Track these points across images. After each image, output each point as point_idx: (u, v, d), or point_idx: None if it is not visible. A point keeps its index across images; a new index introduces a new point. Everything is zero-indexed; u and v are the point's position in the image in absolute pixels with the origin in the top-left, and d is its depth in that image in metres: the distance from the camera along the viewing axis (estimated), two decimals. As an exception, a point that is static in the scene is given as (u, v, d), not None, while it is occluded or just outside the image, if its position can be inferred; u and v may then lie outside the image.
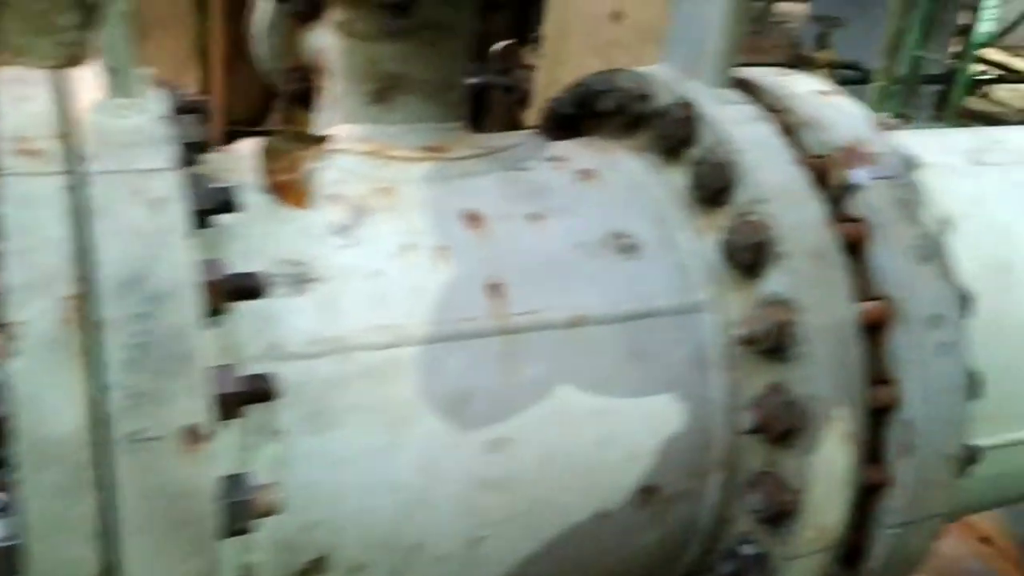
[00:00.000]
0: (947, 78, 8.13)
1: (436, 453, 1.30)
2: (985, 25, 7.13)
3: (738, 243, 1.42)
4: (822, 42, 8.28)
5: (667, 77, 1.60)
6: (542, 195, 1.48)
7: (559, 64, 5.39)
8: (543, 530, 1.38)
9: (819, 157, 1.57)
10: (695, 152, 1.52)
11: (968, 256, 1.68)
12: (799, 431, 1.40)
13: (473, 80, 7.07)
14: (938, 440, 1.49)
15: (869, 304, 1.48)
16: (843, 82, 7.92)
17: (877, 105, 5.91)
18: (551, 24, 5.60)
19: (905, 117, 7.89)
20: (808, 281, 1.40)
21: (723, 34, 1.53)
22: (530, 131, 1.66)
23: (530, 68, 7.29)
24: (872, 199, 1.50)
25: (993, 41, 7.69)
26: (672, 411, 1.44)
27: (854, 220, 1.52)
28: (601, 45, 5.60)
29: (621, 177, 1.55)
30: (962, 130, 1.99)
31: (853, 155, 1.54)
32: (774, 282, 1.42)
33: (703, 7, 1.54)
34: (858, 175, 1.52)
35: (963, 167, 1.82)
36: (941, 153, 1.84)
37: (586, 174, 1.54)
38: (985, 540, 2.90)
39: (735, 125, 1.50)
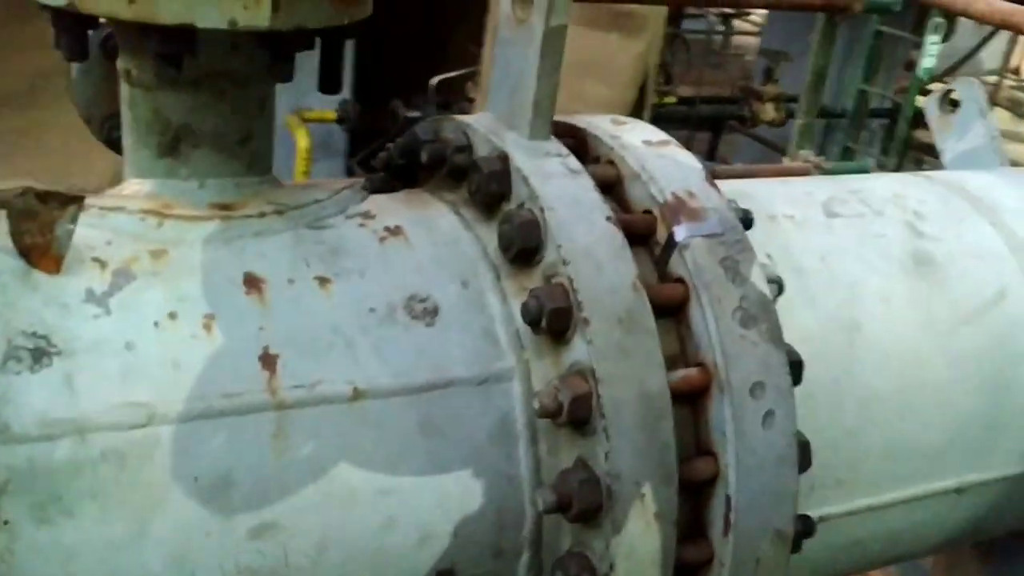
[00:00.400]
0: (893, 112, 8.13)
1: (191, 542, 1.19)
2: (928, 61, 7.12)
3: (538, 308, 1.33)
4: (769, 76, 8.27)
5: (487, 127, 1.51)
6: (337, 256, 1.38)
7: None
8: (322, 622, 1.27)
9: (646, 212, 1.48)
10: (506, 209, 1.43)
11: (813, 315, 1.60)
12: (603, 510, 1.30)
13: (414, 114, 7.03)
14: (763, 515, 1.39)
15: (684, 372, 1.39)
16: (790, 115, 7.91)
17: (799, 142, 5.86)
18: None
19: (851, 151, 7.88)
20: (611, 349, 1.30)
21: (540, 81, 1.44)
22: (353, 182, 1.56)
23: (471, 101, 7.23)
24: (696, 258, 1.41)
25: (939, 77, 7.69)
26: (470, 489, 1.33)
27: (676, 281, 1.43)
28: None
29: (431, 235, 1.46)
30: (826, 179, 1.91)
31: (678, 210, 1.45)
32: (578, 350, 1.32)
33: (519, 52, 1.45)
34: (680, 232, 1.43)
35: (817, 219, 1.73)
36: (798, 204, 1.76)
37: (393, 232, 1.45)
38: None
39: (547, 179, 1.41)
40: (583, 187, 1.42)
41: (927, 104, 2.44)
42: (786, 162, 4.50)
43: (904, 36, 7.69)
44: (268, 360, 1.26)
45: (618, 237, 1.38)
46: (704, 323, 1.39)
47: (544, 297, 1.33)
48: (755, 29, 12.17)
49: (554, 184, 1.41)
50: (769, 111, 7.94)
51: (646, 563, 1.33)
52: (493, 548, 1.37)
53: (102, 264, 1.27)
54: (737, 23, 12.85)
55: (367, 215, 1.47)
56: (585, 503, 1.29)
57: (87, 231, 1.30)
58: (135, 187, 1.43)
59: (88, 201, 1.37)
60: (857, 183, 1.89)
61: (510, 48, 1.49)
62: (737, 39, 13.10)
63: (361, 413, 1.28)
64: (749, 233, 1.60)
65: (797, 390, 1.52)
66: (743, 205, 1.64)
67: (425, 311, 1.37)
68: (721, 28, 12.45)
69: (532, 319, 1.34)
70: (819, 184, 1.85)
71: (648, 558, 1.33)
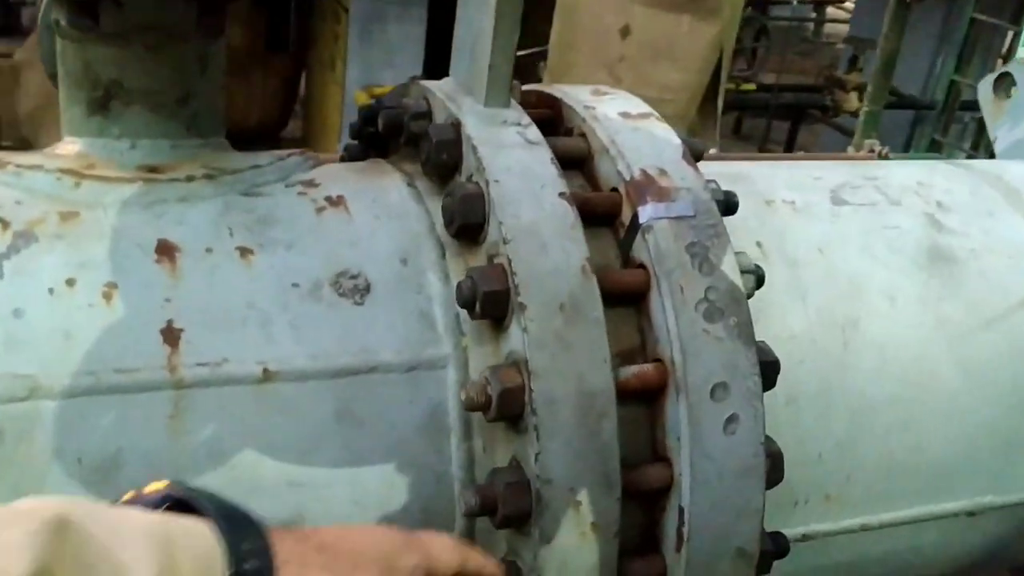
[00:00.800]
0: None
1: (71, 527, 1.10)
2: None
3: (471, 290, 1.20)
4: (854, 64, 7.93)
5: (446, 92, 1.39)
6: (266, 225, 1.28)
7: (564, 77, 5.19)
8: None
9: (614, 190, 1.35)
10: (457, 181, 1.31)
11: (804, 311, 1.44)
12: (532, 517, 1.18)
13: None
14: (722, 530, 1.25)
15: (638, 368, 1.25)
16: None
17: (865, 130, 5.56)
18: (557, 37, 5.40)
19: (938, 145, 7.51)
20: (548, 339, 1.17)
21: (496, 43, 1.31)
22: (298, 150, 1.45)
23: (540, 81, 7.08)
24: (658, 242, 1.27)
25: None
26: (393, 484, 1.22)
27: (638, 267, 1.29)
28: (609, 60, 5.40)
29: (375, 207, 1.34)
30: (845, 164, 1.74)
31: (644, 189, 1.31)
32: (514, 339, 1.20)
33: (477, 11, 1.33)
34: (645, 212, 1.29)
35: (821, 206, 1.57)
36: (802, 189, 1.60)
37: (333, 203, 1.34)
38: None
39: (498, 150, 1.28)
40: (538, 160, 1.29)
41: (980, 88, 2.23)
42: (850, 151, 4.27)
43: (1001, 24, 7.28)
44: (171, 334, 1.16)
45: (570, 215, 1.25)
46: (663, 315, 1.25)
47: (479, 278, 1.20)
48: (847, 16, 11.75)
49: (506, 155, 1.28)
50: (852, 100, 7.60)
51: (581, 577, 1.20)
52: (419, 550, 1.25)
53: (4, 224, 1.19)
54: (830, 11, 12.41)
55: (310, 183, 1.37)
56: (511, 508, 1.17)
57: (-1, 189, 1.23)
58: (67, 146, 1.35)
59: (8, 158, 1.29)
60: (878, 169, 1.72)
61: (470, 7, 1.36)
62: (831, 27, 12.66)
63: (270, 396, 1.17)
64: (741, 219, 1.46)
65: (777, 394, 1.38)
66: (737, 188, 1.49)
67: (355, 288, 1.26)
68: (813, 15, 12.02)
69: (465, 302, 1.22)
70: (833, 169, 1.69)
71: (583, 571, 1.20)
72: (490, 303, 1.19)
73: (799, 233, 1.51)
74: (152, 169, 1.31)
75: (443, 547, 1.02)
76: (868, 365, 1.46)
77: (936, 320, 1.51)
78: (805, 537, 1.47)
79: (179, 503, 0.86)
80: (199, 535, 0.81)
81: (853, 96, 7.68)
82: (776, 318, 1.42)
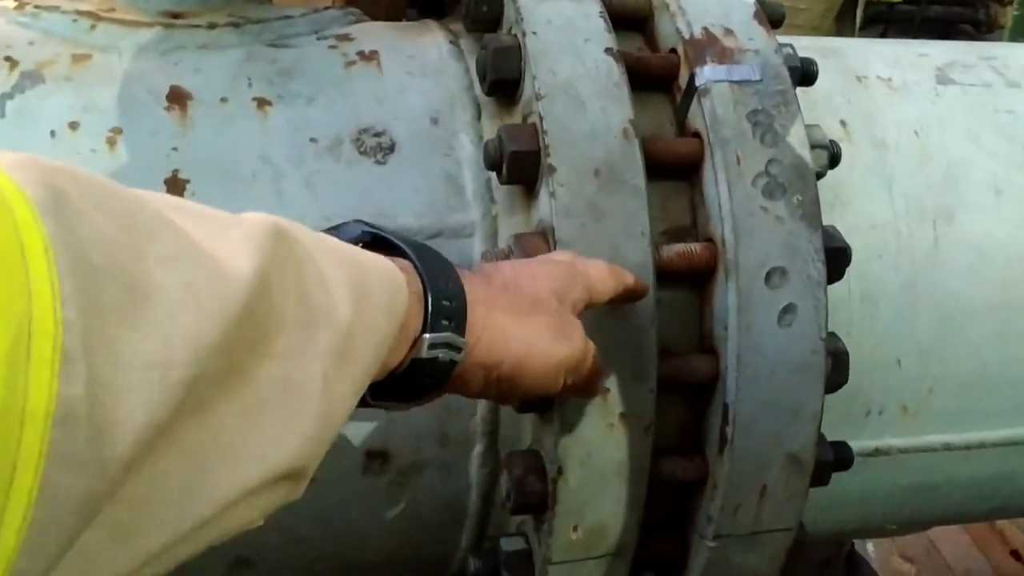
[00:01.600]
0: None
1: None
2: None
3: (497, 151, 1.09)
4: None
5: (498, -60, 1.25)
6: (288, 77, 1.19)
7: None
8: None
9: (672, 52, 1.20)
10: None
11: (889, 199, 1.28)
12: (553, 404, 1.07)
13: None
14: (771, 434, 1.12)
15: (684, 246, 1.12)
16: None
17: (1011, 35, 5.09)
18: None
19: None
20: (579, 206, 1.05)
21: None
22: (350, 8, 1.35)
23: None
24: (715, 107, 1.13)
25: None
26: (407, 359, 1.13)
27: (693, 135, 1.15)
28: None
29: (411, 63, 1.23)
30: (960, 43, 1.53)
31: (704, 49, 1.16)
32: (544, 206, 1.08)
33: None
34: (703, 75, 1.14)
35: (922, 85, 1.38)
36: (903, 67, 1.41)
37: (366, 57, 1.23)
38: (1016, 555, 2.40)
39: (540, 1, 1.15)
40: (585, 12, 1.15)
41: None
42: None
43: None
44: (176, 185, 1.09)
45: (614, 73, 1.11)
46: (716, 189, 1.11)
47: (508, 138, 1.08)
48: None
49: (548, 7, 1.15)
50: (1009, 15, 7.02)
51: (608, 472, 1.09)
52: (437, 433, 1.17)
53: (12, 64, 1.13)
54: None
55: (344, 38, 1.26)
56: (531, 390, 1.07)
57: (13, 28, 1.17)
58: (91, -14, 1.28)
59: (30, -1, 1.23)
60: (998, 49, 1.50)
61: None
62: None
63: (276, 257, 1.09)
64: (824, 95, 1.31)
65: (851, 289, 1.24)
66: (826, 62, 1.32)
67: (379, 147, 1.16)
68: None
69: (492, 163, 1.10)
70: (945, 47, 1.49)
71: (610, 466, 1.09)
72: (517, 165, 1.08)
73: (892, 113, 1.33)
74: (175, 16, 1.22)
75: (600, 274, 0.99)
76: (962, 264, 1.29)
77: (1049, 219, 1.32)
78: (877, 452, 1.32)
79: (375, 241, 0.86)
80: (389, 269, 0.77)
81: (1009, 10, 7.09)
82: (855, 204, 1.26)
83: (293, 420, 0.63)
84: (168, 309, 0.52)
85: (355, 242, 0.83)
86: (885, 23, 8.30)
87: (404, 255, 0.82)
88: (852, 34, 5.00)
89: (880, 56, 1.41)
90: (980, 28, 7.76)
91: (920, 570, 2.45)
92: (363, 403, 0.77)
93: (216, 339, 0.55)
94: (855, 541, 2.13)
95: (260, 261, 0.60)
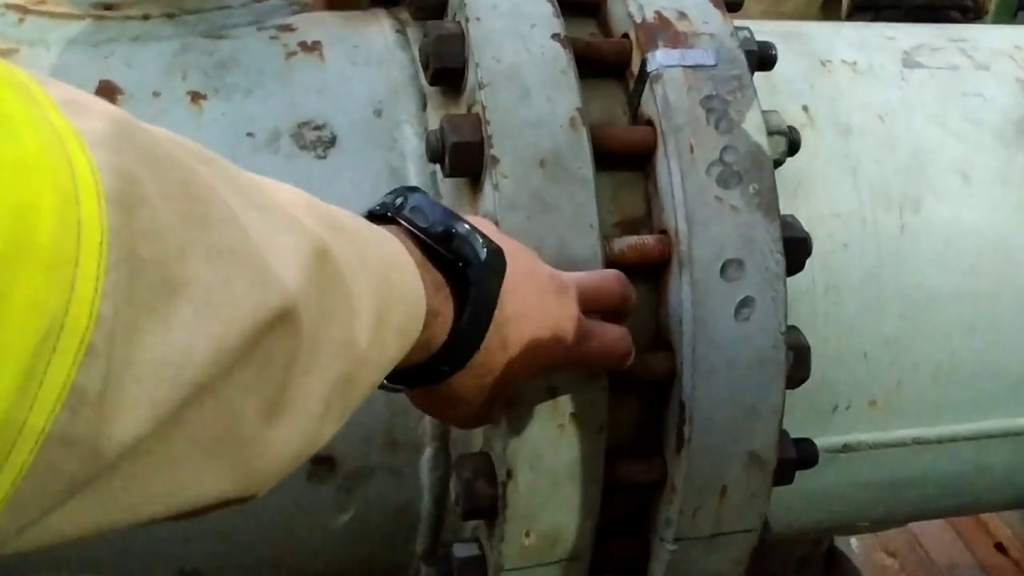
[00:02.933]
0: None
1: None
2: None
3: (438, 142, 1.04)
4: (1000, -37, 7.28)
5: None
6: (225, 70, 1.14)
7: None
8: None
9: (625, 36, 1.16)
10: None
11: (853, 186, 1.24)
12: (508, 404, 1.03)
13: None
14: (731, 431, 1.08)
15: (636, 239, 1.07)
16: None
17: (995, 17, 5.06)
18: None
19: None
20: (523, 198, 1.01)
21: None
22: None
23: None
24: (669, 94, 1.08)
25: None
26: (351, 362, 1.09)
27: (646, 123, 1.11)
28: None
29: (354, 53, 1.19)
30: (930, 25, 1.49)
31: (656, 33, 1.11)
32: (488, 199, 1.04)
33: None
34: (655, 60, 1.10)
35: (888, 69, 1.34)
36: (868, 50, 1.37)
37: (307, 48, 1.19)
38: (1001, 548, 2.36)
39: (486, -15, 1.10)
40: (532, -4, 1.11)
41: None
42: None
43: None
44: (103, 184, 1.04)
45: (561, 59, 1.07)
46: (669, 178, 1.07)
47: (449, 128, 1.04)
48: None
49: (495, -10, 1.10)
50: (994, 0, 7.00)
51: (559, 475, 1.05)
52: (385, 437, 1.13)
53: (-67, 60, 1.08)
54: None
55: (286, 28, 1.22)
56: (476, 391, 1.02)
57: (-63, 24, 1.12)
58: (25, -18, 1.23)
59: (-44, -7, 1.18)
60: (968, 31, 1.47)
61: None
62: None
63: (210, 256, 1.05)
64: (786, 80, 1.27)
65: (815, 280, 1.20)
66: (788, 46, 1.28)
67: (319, 140, 1.11)
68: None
69: (434, 155, 1.06)
70: (913, 30, 1.44)
71: (562, 469, 1.05)
72: (460, 157, 1.03)
73: (857, 98, 1.29)
74: (108, 7, 1.18)
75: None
76: (930, 252, 1.25)
77: (1020, 203, 1.28)
78: (847, 448, 1.28)
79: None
80: (417, 297, 0.79)
81: (996, -2, 7.06)
82: (818, 193, 1.22)
83: (280, 444, 0.63)
84: (197, 306, 0.52)
85: (419, 229, 0.85)
86: (873, 10, 8.30)
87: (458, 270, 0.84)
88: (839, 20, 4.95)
89: (845, 39, 1.37)
90: (967, 14, 7.76)
91: (904, 564, 2.42)
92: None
93: (239, 344, 0.54)
94: (837, 537, 2.09)
95: (301, 280, 0.60)
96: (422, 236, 0.84)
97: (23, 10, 1.14)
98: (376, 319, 0.70)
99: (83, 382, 0.46)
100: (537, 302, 0.91)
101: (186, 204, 0.53)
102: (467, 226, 0.84)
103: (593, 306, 0.98)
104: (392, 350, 0.74)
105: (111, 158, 0.49)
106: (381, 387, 0.84)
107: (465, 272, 0.83)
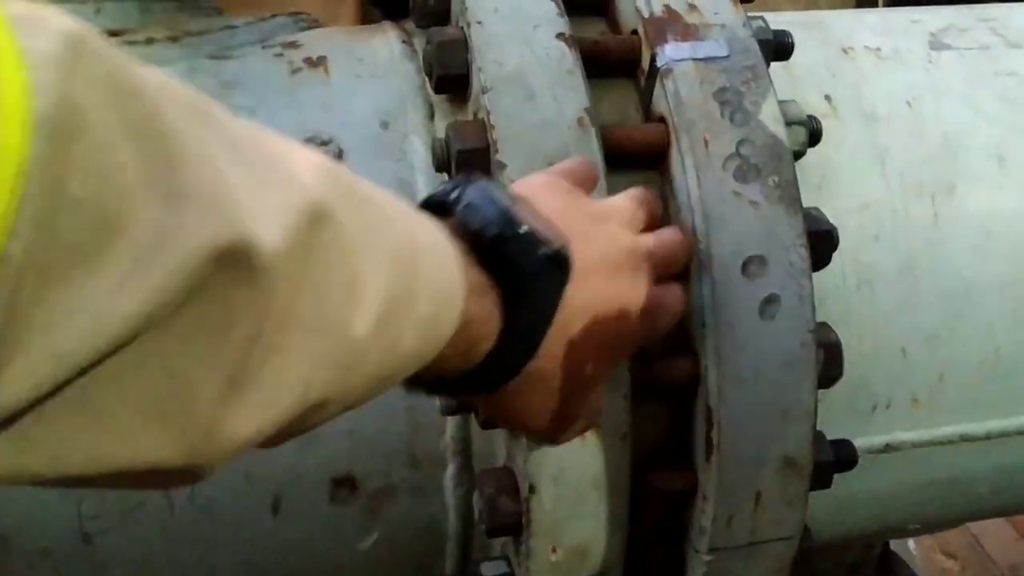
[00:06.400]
0: None
1: None
2: None
3: (443, 150, 1.02)
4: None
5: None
6: (231, 90, 1.13)
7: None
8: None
9: (634, 33, 1.13)
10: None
11: (882, 175, 1.19)
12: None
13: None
14: (762, 435, 1.04)
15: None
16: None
17: None
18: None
19: None
20: (533, 205, 0.98)
21: None
22: (300, 13, 1.29)
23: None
24: (680, 88, 1.05)
25: None
26: (367, 379, 1.06)
27: (659, 120, 1.08)
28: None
29: (360, 67, 1.17)
30: (956, 7, 1.44)
31: (665, 26, 1.08)
32: (497, 206, 1.01)
33: None
34: (664, 54, 1.07)
35: (915, 53, 1.29)
36: (893, 35, 1.32)
37: (312, 63, 1.17)
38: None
39: (487, -12, 1.08)
40: (536, -2, 1.08)
41: None
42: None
43: None
44: (109, 210, 1.03)
45: (567, 59, 1.04)
46: (684, 175, 1.03)
47: (454, 136, 1.02)
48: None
49: (497, -7, 1.08)
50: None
51: (584, 488, 1.02)
52: (405, 454, 1.10)
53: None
54: None
55: (291, 45, 1.20)
56: (492, 404, 0.99)
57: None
58: (36, 16, 1.23)
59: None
60: (996, 10, 1.41)
61: None
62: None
63: (218, 278, 1.03)
64: (806, 70, 1.23)
65: (845, 275, 1.16)
66: (808, 35, 1.24)
67: (325, 155, 1.09)
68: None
69: (440, 164, 1.04)
70: (939, 11, 1.39)
71: (586, 482, 1.01)
72: (466, 164, 1.01)
73: (882, 84, 1.24)
74: (114, 34, 1.17)
75: None
76: (967, 241, 1.20)
77: (1059, 186, 1.22)
78: (889, 448, 1.23)
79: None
80: (452, 296, 0.70)
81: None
82: (845, 184, 1.17)
83: (240, 423, 0.55)
84: (137, 253, 0.46)
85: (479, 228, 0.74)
86: (910, 3, 8.17)
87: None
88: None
89: (868, 25, 1.33)
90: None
91: (964, 566, 2.33)
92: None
93: (182, 285, 0.47)
94: (894, 540, 2.02)
95: (278, 239, 0.53)
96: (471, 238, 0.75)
97: (28, 41, 1.14)
98: (386, 306, 0.62)
99: None
100: (607, 289, 0.82)
101: (148, 141, 0.47)
102: (526, 228, 0.74)
103: (663, 273, 0.91)
104: (409, 344, 0.66)
105: (53, 81, 0.44)
106: (430, 392, 0.79)
107: (517, 282, 0.74)
